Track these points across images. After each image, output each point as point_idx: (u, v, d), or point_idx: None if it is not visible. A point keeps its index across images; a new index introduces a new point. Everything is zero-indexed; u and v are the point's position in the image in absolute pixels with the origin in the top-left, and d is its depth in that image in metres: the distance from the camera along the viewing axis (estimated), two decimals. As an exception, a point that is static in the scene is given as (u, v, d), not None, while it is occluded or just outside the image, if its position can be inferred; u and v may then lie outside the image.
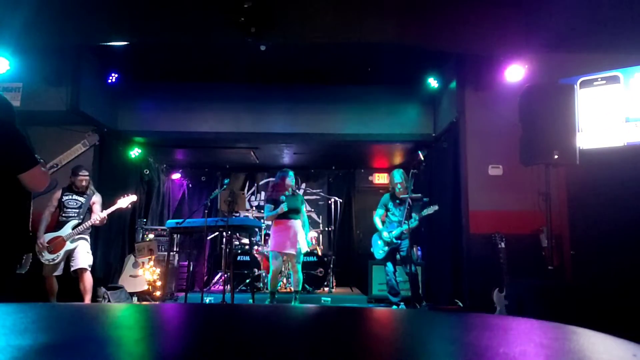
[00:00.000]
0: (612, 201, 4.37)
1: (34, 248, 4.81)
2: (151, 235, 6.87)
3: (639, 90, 4.34)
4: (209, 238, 7.68)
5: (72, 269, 4.92)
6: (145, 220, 7.23)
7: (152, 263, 6.38)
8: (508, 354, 0.84)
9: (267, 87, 6.67)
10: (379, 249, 5.67)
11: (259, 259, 7.02)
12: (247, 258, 7.07)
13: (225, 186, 5.44)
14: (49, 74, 5.40)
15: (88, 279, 4.93)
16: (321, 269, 6.95)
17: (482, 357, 0.83)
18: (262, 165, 8.81)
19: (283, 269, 6.78)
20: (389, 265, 5.59)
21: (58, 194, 5.03)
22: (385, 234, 5.56)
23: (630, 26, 4.57)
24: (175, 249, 7.00)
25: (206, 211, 5.06)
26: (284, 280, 6.95)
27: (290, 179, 5.66)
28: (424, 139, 6.71)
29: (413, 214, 5.33)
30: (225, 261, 6.53)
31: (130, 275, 6.25)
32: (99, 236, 5.83)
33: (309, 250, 7.13)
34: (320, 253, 7.31)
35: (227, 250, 6.20)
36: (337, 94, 6.67)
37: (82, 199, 5.07)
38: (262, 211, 8.31)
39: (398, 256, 5.56)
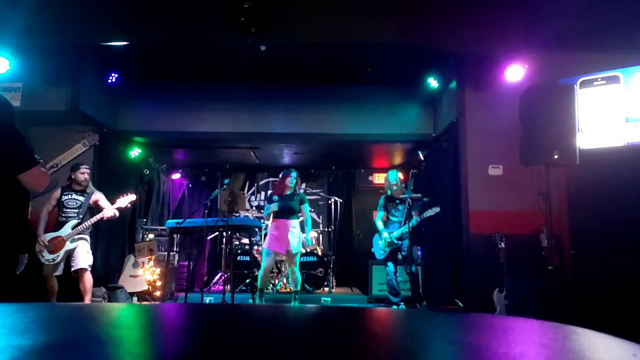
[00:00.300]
0: (612, 201, 4.37)
1: (33, 247, 4.81)
2: (151, 235, 6.87)
3: (639, 90, 4.34)
4: (209, 238, 7.68)
5: (72, 269, 4.92)
6: (145, 220, 7.23)
7: (152, 263, 6.38)
8: (508, 354, 0.84)
9: (267, 87, 6.67)
10: (379, 250, 5.67)
11: (259, 259, 7.02)
12: (247, 258, 7.06)
13: (225, 186, 5.44)
14: (49, 74, 5.40)
15: (88, 279, 4.93)
16: (321, 269, 6.95)
17: (482, 357, 0.83)
18: (262, 165, 8.81)
19: (283, 269, 6.79)
20: (390, 265, 5.59)
21: (57, 193, 5.03)
22: (385, 235, 5.56)
23: (630, 26, 4.57)
24: (175, 249, 7.00)
25: (206, 211, 5.05)
26: (284, 280, 6.95)
27: (291, 180, 5.66)
28: (424, 139, 6.71)
29: (413, 215, 5.33)
30: (225, 261, 6.53)
31: (130, 275, 6.25)
32: (99, 236, 5.83)
33: (308, 250, 7.15)
34: (320, 253, 7.31)
35: (227, 250, 6.20)
36: (337, 94, 6.67)
37: (81, 199, 5.07)
38: (262, 211, 8.33)
39: (399, 256, 5.57)
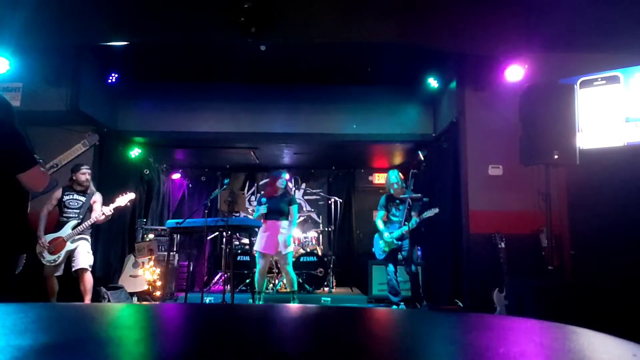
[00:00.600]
0: (612, 201, 4.37)
1: (33, 248, 4.80)
2: (151, 235, 6.87)
3: (639, 90, 4.34)
4: (209, 238, 7.68)
5: (72, 269, 4.92)
6: (145, 220, 7.23)
7: (152, 263, 6.38)
8: (508, 354, 0.84)
9: (267, 87, 6.67)
10: (380, 250, 5.68)
11: (259, 259, 7.03)
12: (247, 258, 7.06)
13: (225, 186, 5.44)
14: (48, 74, 5.40)
15: (88, 279, 4.93)
16: (321, 269, 6.95)
17: (482, 357, 0.83)
18: (262, 165, 8.81)
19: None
20: (390, 265, 5.60)
21: (58, 193, 5.02)
22: (386, 235, 5.57)
23: (630, 26, 4.57)
24: (175, 249, 7.00)
25: (206, 211, 5.06)
26: (284, 281, 6.95)
27: (281, 182, 5.68)
28: (424, 139, 6.71)
29: (412, 215, 5.33)
30: (225, 261, 6.53)
31: (130, 275, 6.25)
32: (99, 236, 5.83)
33: (308, 250, 7.15)
34: (320, 253, 7.31)
35: (227, 250, 6.20)
36: (337, 94, 6.67)
37: (82, 199, 5.07)
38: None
39: (400, 256, 5.57)
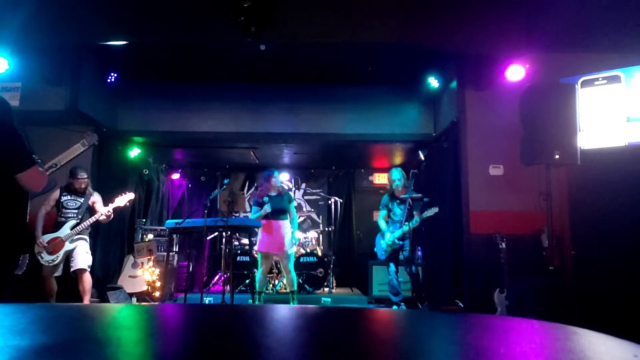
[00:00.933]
0: (613, 201, 4.37)
1: (32, 248, 4.80)
2: (150, 236, 6.87)
3: None
4: (208, 238, 7.67)
5: (71, 269, 4.91)
6: (144, 220, 7.22)
7: (151, 263, 6.38)
8: (508, 354, 0.84)
9: (267, 87, 6.67)
10: (382, 250, 5.68)
11: (259, 259, 7.02)
12: (247, 258, 7.06)
13: (224, 186, 5.44)
14: (48, 74, 5.39)
15: (87, 280, 4.92)
16: (321, 269, 6.95)
17: (483, 357, 0.82)
18: (262, 165, 8.79)
19: (283, 269, 6.77)
20: (391, 265, 5.60)
21: (56, 193, 5.02)
22: (387, 235, 5.57)
23: (630, 26, 4.57)
24: (174, 249, 7.00)
25: (206, 211, 5.04)
26: (284, 281, 6.94)
27: (276, 180, 5.64)
28: (424, 138, 6.71)
29: (414, 215, 5.33)
30: (224, 261, 6.52)
31: (130, 276, 6.24)
32: (98, 236, 5.82)
33: (308, 250, 7.14)
34: (320, 253, 7.30)
35: (227, 250, 6.19)
36: (337, 94, 6.67)
37: (80, 199, 5.07)
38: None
39: (401, 256, 5.56)
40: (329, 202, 8.17)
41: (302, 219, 6.11)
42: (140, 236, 6.86)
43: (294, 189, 8.95)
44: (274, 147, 7.54)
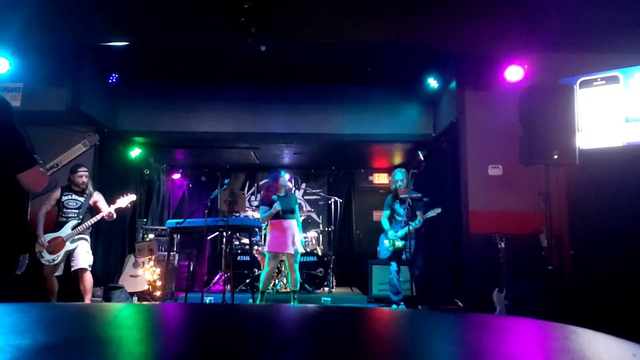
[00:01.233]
0: (612, 201, 4.37)
1: (33, 248, 4.80)
2: (151, 235, 6.87)
3: (639, 90, 4.34)
4: (209, 238, 7.67)
5: (72, 269, 4.92)
6: (145, 220, 7.22)
7: (152, 263, 6.38)
8: (508, 354, 0.84)
9: (267, 87, 6.67)
10: (384, 249, 5.69)
11: (259, 259, 7.02)
12: (247, 258, 7.06)
13: (225, 186, 5.44)
14: (49, 74, 5.40)
15: (88, 279, 4.93)
16: (321, 269, 6.95)
17: (482, 357, 0.83)
18: (262, 165, 8.81)
19: (283, 269, 6.78)
20: (393, 264, 5.61)
21: (57, 193, 5.02)
22: (391, 234, 5.59)
23: (630, 26, 4.57)
24: (175, 249, 7.00)
25: (206, 211, 5.05)
26: (284, 280, 6.95)
27: (283, 179, 5.65)
28: (423, 139, 6.71)
29: (417, 215, 5.34)
30: (225, 261, 6.52)
31: (131, 275, 6.25)
32: (99, 236, 5.83)
33: (308, 250, 7.14)
34: (320, 253, 7.31)
35: (227, 250, 6.19)
36: (337, 94, 6.67)
37: (81, 199, 5.07)
38: (260, 212, 8.32)
39: (404, 256, 5.57)
40: (329, 202, 8.17)
41: (302, 218, 6.14)
42: (141, 236, 6.86)
43: (294, 189, 8.95)
44: (274, 147, 7.54)
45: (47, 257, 4.82)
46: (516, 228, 4.97)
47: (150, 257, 6.39)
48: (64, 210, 5.00)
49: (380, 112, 6.65)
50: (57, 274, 4.90)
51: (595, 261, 4.44)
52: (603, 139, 4.44)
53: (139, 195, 6.89)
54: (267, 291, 5.83)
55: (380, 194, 9.04)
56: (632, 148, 4.30)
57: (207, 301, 5.88)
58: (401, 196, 5.63)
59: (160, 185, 8.15)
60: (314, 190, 8.75)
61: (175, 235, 6.71)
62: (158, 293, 6.24)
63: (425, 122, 6.68)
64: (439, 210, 5.25)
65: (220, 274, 7.51)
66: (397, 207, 5.71)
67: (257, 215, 7.87)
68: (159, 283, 6.29)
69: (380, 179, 9.07)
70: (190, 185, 8.99)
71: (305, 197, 9.11)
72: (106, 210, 5.02)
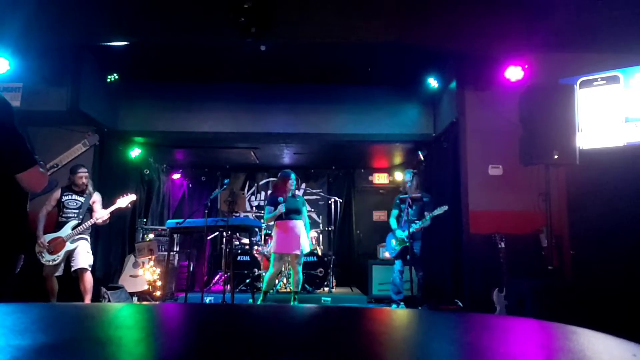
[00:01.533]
0: (612, 201, 4.37)
1: (32, 248, 4.80)
2: (151, 235, 6.87)
3: (639, 90, 4.34)
4: (209, 238, 7.67)
5: (72, 269, 4.92)
6: (145, 220, 7.23)
7: (152, 263, 6.38)
8: (508, 354, 0.84)
9: (267, 87, 6.67)
10: (391, 248, 5.70)
11: (259, 259, 7.03)
12: (247, 258, 7.06)
13: (225, 186, 5.44)
14: (48, 74, 5.40)
15: (88, 279, 4.93)
16: (321, 269, 6.95)
17: (482, 357, 0.83)
18: (262, 165, 8.81)
19: (283, 269, 6.79)
20: (397, 263, 5.61)
21: (57, 193, 5.02)
22: (398, 232, 5.62)
23: (630, 26, 4.57)
24: (175, 249, 7.00)
25: (206, 211, 5.05)
26: (284, 280, 6.95)
27: (292, 182, 5.66)
28: (424, 139, 6.71)
29: (425, 214, 5.35)
30: (225, 261, 6.53)
31: (131, 275, 6.25)
32: (99, 236, 5.83)
33: (309, 250, 7.15)
34: (320, 253, 7.30)
35: (227, 250, 6.19)
36: (337, 94, 6.67)
37: (81, 199, 5.07)
38: (262, 211, 8.32)
39: (408, 257, 5.57)
40: (329, 202, 8.17)
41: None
42: (141, 236, 6.86)
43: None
44: (274, 147, 7.54)
45: (47, 258, 4.82)
46: (516, 228, 4.97)
47: (150, 257, 6.39)
48: (64, 210, 5.00)
49: (380, 112, 6.64)
50: (57, 274, 4.90)
51: (595, 261, 4.44)
52: (603, 139, 4.44)
53: (139, 195, 6.89)
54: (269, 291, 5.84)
55: (380, 194, 9.05)
56: (632, 148, 4.30)
57: (207, 301, 5.88)
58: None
59: (160, 185, 8.15)
60: (314, 190, 8.75)
61: (175, 235, 6.71)
62: (158, 293, 6.24)
63: (425, 122, 6.67)
64: (445, 207, 5.25)
65: (220, 274, 7.51)
66: (405, 206, 5.72)
67: (258, 215, 7.90)
68: (159, 283, 6.29)
69: (380, 179, 9.08)
70: (190, 185, 8.99)
71: (305, 197, 9.08)
72: (99, 214, 5.00)
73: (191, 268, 7.08)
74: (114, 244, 6.53)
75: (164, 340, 0.97)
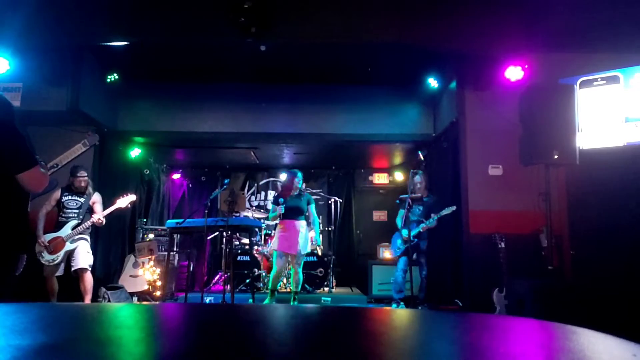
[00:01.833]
0: (612, 201, 4.37)
1: (33, 248, 4.80)
2: (151, 235, 6.87)
3: (639, 90, 4.34)
4: (209, 238, 7.67)
5: (72, 269, 4.92)
6: (145, 220, 7.22)
7: (152, 263, 6.38)
8: (508, 354, 0.84)
9: (267, 87, 6.67)
10: (396, 247, 5.71)
11: (259, 259, 7.03)
12: (247, 258, 7.06)
13: (225, 186, 5.44)
14: (49, 74, 5.40)
15: (88, 279, 4.93)
16: (321, 269, 6.95)
17: (482, 357, 0.83)
18: (262, 165, 8.81)
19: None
20: (400, 262, 5.60)
21: (57, 193, 5.02)
22: (404, 231, 5.62)
23: (630, 26, 4.57)
24: (175, 249, 7.00)
25: (206, 211, 5.05)
26: (284, 280, 6.95)
27: (298, 181, 5.68)
28: (424, 139, 6.71)
29: (432, 215, 5.36)
30: (225, 261, 6.53)
31: (131, 275, 6.25)
32: (99, 236, 5.83)
33: (309, 250, 7.15)
34: (320, 253, 7.31)
35: (227, 250, 6.19)
36: (337, 94, 6.67)
37: (81, 199, 5.07)
38: (262, 211, 8.33)
39: (414, 256, 5.57)
40: (329, 202, 8.17)
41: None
42: (141, 236, 6.86)
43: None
44: (274, 147, 7.54)
45: (47, 257, 4.82)
46: (516, 228, 4.97)
47: (150, 257, 6.39)
48: (64, 210, 5.00)
49: (380, 112, 6.65)
50: (57, 274, 4.90)
51: (595, 261, 4.44)
52: (603, 139, 4.44)
53: (139, 196, 6.89)
54: (266, 291, 5.83)
55: (380, 194, 9.05)
56: (632, 148, 4.30)
57: (207, 301, 5.88)
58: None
59: (160, 185, 8.15)
60: (314, 190, 8.74)
61: (175, 235, 6.71)
62: (158, 293, 6.24)
63: (425, 122, 6.68)
64: (453, 208, 5.24)
65: (220, 274, 7.51)
66: (413, 207, 5.72)
67: (257, 215, 7.89)
68: (159, 283, 6.29)
69: (380, 179, 9.08)
70: (190, 185, 8.99)
71: (306, 197, 9.12)
72: (97, 215, 5.01)
73: (191, 268, 7.08)
74: (114, 244, 6.53)
75: (164, 340, 0.97)
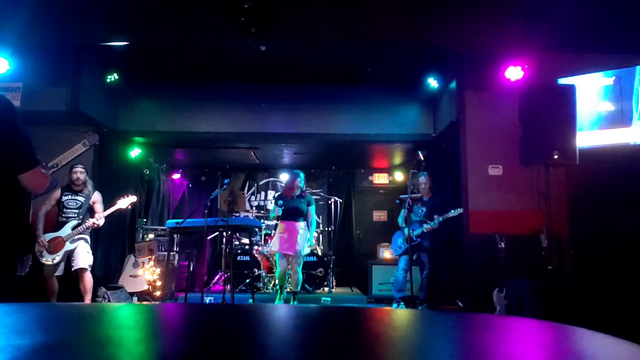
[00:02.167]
0: (612, 201, 4.38)
1: (33, 248, 4.80)
2: (151, 235, 6.87)
3: (638, 90, 4.34)
4: (209, 238, 7.67)
5: (72, 269, 4.92)
6: (145, 220, 7.22)
7: (152, 263, 6.38)
8: (508, 354, 0.84)
9: (267, 87, 6.67)
10: (397, 246, 5.71)
11: (259, 259, 7.03)
12: (247, 258, 7.06)
13: (225, 186, 5.44)
14: (49, 74, 5.40)
15: (88, 279, 4.93)
16: (321, 269, 6.95)
17: (482, 357, 0.83)
18: (262, 165, 8.81)
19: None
20: (401, 261, 5.60)
21: (57, 193, 5.02)
22: (406, 231, 5.62)
23: (630, 26, 4.57)
24: (175, 249, 7.00)
25: (206, 211, 5.05)
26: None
27: (300, 181, 5.70)
28: (423, 139, 6.71)
29: (435, 217, 5.36)
30: (225, 261, 6.53)
31: (131, 275, 6.25)
32: (99, 236, 5.83)
33: (309, 250, 7.15)
34: (320, 253, 7.31)
35: (227, 250, 6.19)
36: (337, 94, 6.67)
37: (81, 199, 5.07)
38: (262, 211, 8.33)
39: (415, 256, 5.57)
40: (329, 202, 8.17)
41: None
42: (141, 236, 6.86)
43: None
44: (274, 147, 7.55)
45: (46, 257, 4.82)
46: (516, 228, 4.97)
47: (150, 257, 6.39)
48: (64, 210, 5.00)
49: (380, 112, 6.65)
50: (57, 274, 4.90)
51: (595, 261, 4.45)
52: (603, 139, 4.44)
53: (139, 196, 6.89)
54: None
55: (380, 194, 9.05)
56: (632, 148, 4.31)
57: (207, 301, 5.88)
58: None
59: (160, 185, 8.15)
60: (314, 190, 8.73)
61: (175, 235, 6.71)
62: (158, 293, 6.24)
63: (425, 122, 6.68)
64: (460, 210, 5.24)
65: (220, 274, 7.51)
66: (415, 207, 5.72)
67: (258, 215, 7.91)
68: (159, 283, 6.29)
69: (380, 179, 9.07)
70: (190, 185, 8.99)
71: (306, 197, 9.12)
72: (92, 220, 5.01)
73: (191, 268, 7.08)
74: (114, 244, 6.53)
75: (164, 341, 0.97)
